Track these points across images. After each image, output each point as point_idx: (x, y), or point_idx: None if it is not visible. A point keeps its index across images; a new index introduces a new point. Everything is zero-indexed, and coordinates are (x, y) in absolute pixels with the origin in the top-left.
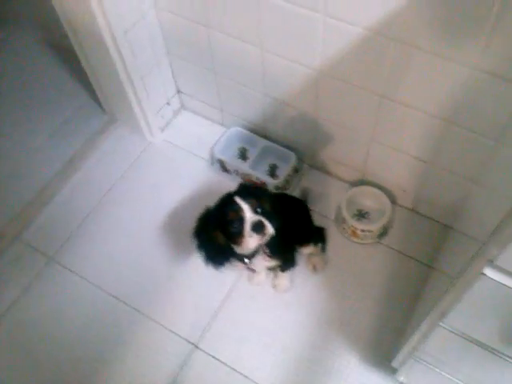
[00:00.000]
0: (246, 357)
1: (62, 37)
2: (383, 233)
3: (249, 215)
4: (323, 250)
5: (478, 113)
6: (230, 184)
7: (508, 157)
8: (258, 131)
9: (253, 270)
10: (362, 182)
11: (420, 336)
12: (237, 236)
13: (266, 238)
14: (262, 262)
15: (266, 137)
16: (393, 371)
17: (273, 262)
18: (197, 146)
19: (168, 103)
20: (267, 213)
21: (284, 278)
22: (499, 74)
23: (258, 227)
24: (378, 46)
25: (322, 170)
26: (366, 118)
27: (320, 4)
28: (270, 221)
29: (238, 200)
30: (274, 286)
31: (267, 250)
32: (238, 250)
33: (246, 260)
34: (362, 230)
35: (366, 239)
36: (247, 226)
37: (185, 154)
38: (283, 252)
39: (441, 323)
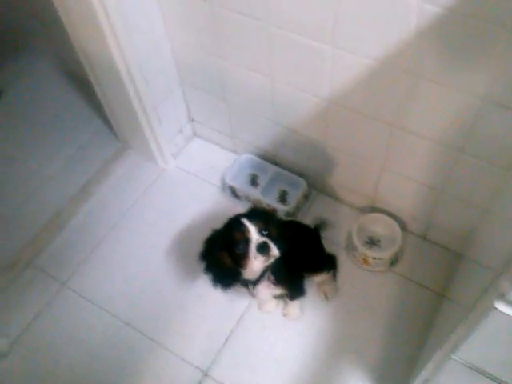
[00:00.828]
0: None
1: (78, 66)
2: (394, 261)
3: (254, 236)
4: (334, 277)
5: (488, 142)
6: (241, 210)
7: None
8: (269, 158)
9: (256, 297)
10: (372, 209)
11: (432, 368)
12: (242, 257)
13: (271, 260)
14: (267, 290)
15: (276, 163)
16: None
17: (278, 290)
18: (208, 173)
19: (180, 131)
20: (273, 236)
21: (294, 306)
22: (507, 105)
23: (262, 248)
24: (387, 76)
25: (332, 196)
26: (375, 147)
27: (328, 36)
28: (276, 244)
29: (245, 221)
30: (285, 315)
31: (272, 277)
32: (244, 273)
33: (250, 286)
34: (374, 258)
35: (377, 267)
36: (252, 247)
37: (197, 181)
38: (289, 280)
39: (453, 356)
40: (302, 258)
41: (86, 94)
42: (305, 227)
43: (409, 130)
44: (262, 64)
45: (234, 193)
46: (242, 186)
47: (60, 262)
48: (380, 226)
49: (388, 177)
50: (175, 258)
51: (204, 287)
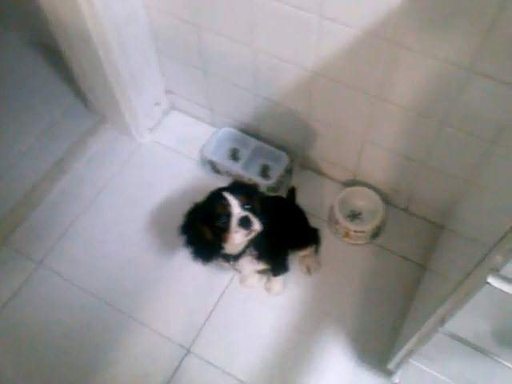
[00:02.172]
0: (240, 360)
1: (48, 36)
2: (376, 233)
3: (236, 210)
4: (317, 251)
5: (471, 114)
6: (221, 185)
7: (503, 158)
8: (250, 131)
9: (239, 272)
10: (354, 183)
11: (417, 340)
12: (223, 231)
13: (253, 235)
14: (249, 265)
15: (257, 137)
16: (388, 373)
17: (260, 266)
18: (187, 147)
19: (158, 103)
20: (256, 210)
21: (276, 281)
22: (493, 76)
23: (244, 222)
24: (372, 46)
25: (314, 170)
26: (358, 119)
27: (315, 5)
28: (258, 218)
29: (227, 195)
30: (267, 290)
31: (254, 252)
32: (226, 247)
33: (232, 260)
34: (355, 231)
35: (358, 240)
36: (234, 221)
37: (175, 155)
38: (272, 256)
39: (439, 328)
40: (285, 234)
41: (58, 66)
42: (288, 202)
43: (391, 101)
44: (243, 33)
45: (214, 167)
46: (222, 160)
47: (35, 240)
48: (362, 199)
49: (370, 149)
50: (154, 233)
51: (184, 262)
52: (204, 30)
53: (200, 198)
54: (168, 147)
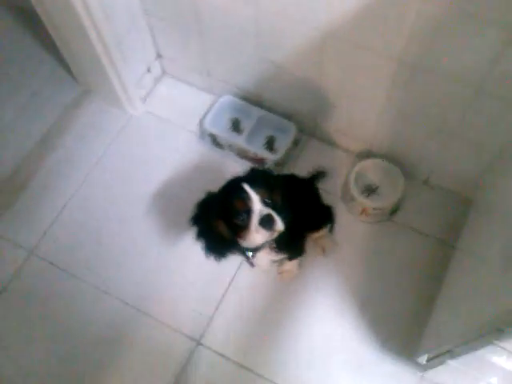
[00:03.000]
0: (253, 351)
1: None
2: (395, 209)
3: (258, 207)
4: (331, 230)
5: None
6: (223, 161)
7: None
8: (252, 100)
9: (255, 265)
10: (369, 154)
11: (461, 344)
12: (242, 229)
13: (275, 236)
14: (268, 257)
15: (261, 106)
16: (412, 359)
17: (280, 256)
18: (184, 118)
19: (148, 70)
20: (278, 205)
21: (291, 264)
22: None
23: (267, 222)
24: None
25: (325, 141)
26: (376, 85)
27: None
28: (281, 215)
29: (247, 188)
30: (280, 273)
31: (274, 245)
32: (243, 243)
33: (249, 253)
34: (374, 209)
35: (376, 217)
36: (255, 220)
37: (171, 127)
38: (291, 244)
39: (496, 341)
40: (302, 218)
41: (36, 32)
42: (302, 181)
43: (417, 65)
44: None
45: (214, 140)
46: (223, 133)
47: (24, 227)
48: (379, 172)
49: (388, 118)
50: (155, 216)
51: (189, 248)
52: None
53: (200, 175)
54: (163, 119)
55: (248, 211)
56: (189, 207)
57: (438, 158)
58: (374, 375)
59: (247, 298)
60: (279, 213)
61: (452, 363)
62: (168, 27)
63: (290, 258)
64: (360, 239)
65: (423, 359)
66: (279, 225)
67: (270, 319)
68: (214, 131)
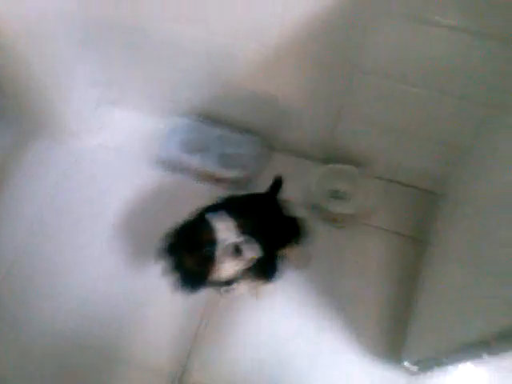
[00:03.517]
0: (242, 377)
1: None
2: (364, 212)
3: (225, 237)
4: (302, 241)
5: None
6: (184, 185)
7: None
8: (208, 118)
9: (230, 294)
10: (332, 160)
11: (448, 355)
12: (209, 261)
13: (249, 264)
14: (245, 287)
15: (217, 124)
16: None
17: (257, 283)
18: (138, 145)
19: (96, 101)
20: (248, 231)
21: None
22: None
23: (235, 252)
24: (345, 10)
25: (287, 151)
26: (334, 93)
27: None
28: (252, 241)
29: (212, 217)
30: (255, 294)
31: (251, 273)
32: (214, 275)
33: (224, 288)
34: (342, 214)
35: (348, 222)
36: (221, 250)
37: (125, 157)
38: (268, 268)
39: (485, 355)
40: (271, 237)
41: None
42: (264, 197)
43: (369, 72)
44: (193, 12)
45: (171, 165)
46: (180, 156)
47: None
48: (343, 177)
49: (348, 123)
50: (117, 251)
51: (156, 279)
52: (143, 11)
53: (162, 202)
54: (116, 149)
55: (214, 242)
56: (152, 237)
57: (402, 157)
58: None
59: (225, 323)
60: (250, 239)
61: (440, 370)
62: (115, 55)
63: (269, 281)
64: (333, 245)
65: (410, 365)
66: (250, 252)
67: (253, 340)
68: (171, 156)
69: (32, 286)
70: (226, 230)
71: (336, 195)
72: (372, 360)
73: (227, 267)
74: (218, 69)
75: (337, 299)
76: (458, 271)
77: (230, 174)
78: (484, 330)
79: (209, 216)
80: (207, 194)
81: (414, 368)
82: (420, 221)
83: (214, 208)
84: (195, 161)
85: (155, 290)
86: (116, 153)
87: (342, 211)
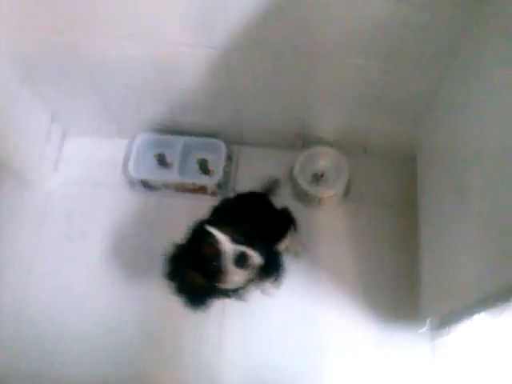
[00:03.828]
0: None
1: None
2: (348, 189)
3: (228, 246)
4: (295, 229)
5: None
6: (163, 202)
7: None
8: (170, 129)
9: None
10: (305, 144)
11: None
12: (218, 274)
13: (255, 271)
14: (255, 290)
15: (181, 133)
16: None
17: (267, 280)
18: (105, 172)
19: (48, 138)
20: (250, 237)
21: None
22: None
23: (240, 260)
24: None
25: (257, 145)
26: (294, 80)
27: None
28: (256, 246)
29: (212, 230)
30: (265, 292)
31: (258, 274)
32: (223, 286)
33: (234, 295)
34: (328, 196)
35: (334, 202)
36: (228, 262)
37: (94, 188)
38: (274, 265)
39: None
40: (270, 235)
41: None
42: (252, 196)
43: (327, 52)
44: (130, 28)
45: (146, 185)
46: (151, 174)
47: None
48: (320, 158)
49: (314, 107)
50: (113, 281)
51: (163, 299)
52: (80, 35)
53: (146, 225)
54: (82, 182)
55: (219, 254)
56: (147, 259)
57: (371, 127)
58: (386, 354)
59: (245, 327)
60: (253, 244)
61: (464, 327)
62: (57, 87)
63: (277, 279)
64: (326, 229)
65: (429, 325)
66: (256, 259)
67: (273, 335)
68: (142, 175)
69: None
70: (227, 240)
71: (318, 178)
72: (392, 326)
73: (237, 276)
74: (168, 80)
75: (342, 277)
76: (451, 225)
77: (209, 179)
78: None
79: (207, 229)
80: (191, 206)
81: (434, 326)
82: (403, 187)
83: (209, 220)
84: (171, 175)
85: (163, 312)
86: (84, 185)
87: (327, 193)
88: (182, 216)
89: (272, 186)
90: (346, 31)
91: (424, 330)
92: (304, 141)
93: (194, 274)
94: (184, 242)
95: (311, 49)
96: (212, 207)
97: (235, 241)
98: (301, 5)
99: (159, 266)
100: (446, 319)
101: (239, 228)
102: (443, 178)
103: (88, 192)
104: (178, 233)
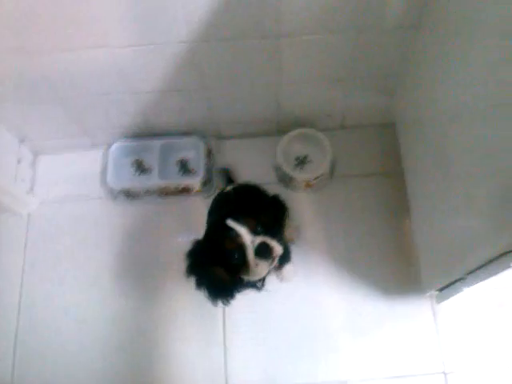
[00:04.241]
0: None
1: None
2: (332, 168)
3: (249, 239)
4: (289, 217)
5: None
6: (149, 209)
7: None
8: (144, 133)
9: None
10: (283, 129)
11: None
12: (241, 267)
13: (277, 260)
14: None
15: (155, 135)
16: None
17: (282, 267)
18: (83, 187)
19: (18, 160)
20: (270, 227)
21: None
22: None
23: (263, 251)
24: None
25: (236, 137)
26: (265, 67)
27: None
28: (276, 236)
29: (232, 223)
30: (282, 278)
31: (277, 263)
32: (247, 278)
33: (259, 284)
34: (315, 178)
35: (321, 183)
36: (251, 254)
37: (75, 204)
38: (287, 251)
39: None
40: (275, 224)
41: None
42: (248, 188)
43: (294, 33)
44: (90, 36)
45: (128, 194)
46: (132, 182)
47: None
48: (299, 141)
49: (287, 90)
50: (103, 302)
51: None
52: (36, 52)
53: (137, 236)
54: (62, 200)
55: (241, 247)
56: (137, 273)
57: (346, 102)
58: (389, 324)
59: (252, 327)
60: (273, 234)
61: (468, 290)
62: (20, 107)
63: (288, 260)
64: (316, 211)
65: (432, 293)
66: (277, 249)
67: (280, 325)
68: (122, 185)
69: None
70: (246, 232)
71: (302, 161)
72: (396, 297)
73: (261, 267)
74: (136, 84)
75: (340, 257)
76: (437, 185)
77: (191, 179)
78: (496, 238)
79: (228, 221)
80: (177, 208)
81: (437, 294)
82: (386, 154)
83: (226, 213)
84: (150, 180)
85: (164, 320)
86: (64, 202)
87: (313, 175)
88: (169, 221)
89: (228, 175)
90: (309, 8)
91: (427, 295)
92: (281, 125)
93: (217, 269)
94: (204, 237)
95: (276, 30)
96: (213, 200)
97: (255, 232)
98: None
99: (154, 275)
100: (446, 290)
101: (256, 219)
102: (423, 141)
103: (69, 209)
104: (169, 238)
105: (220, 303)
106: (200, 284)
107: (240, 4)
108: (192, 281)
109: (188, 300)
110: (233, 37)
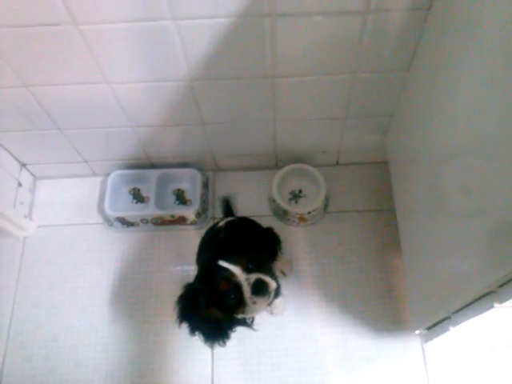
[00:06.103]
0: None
1: None
2: (326, 203)
3: (243, 278)
4: (282, 250)
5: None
6: (144, 237)
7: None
8: (142, 164)
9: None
10: (281, 163)
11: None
12: (238, 306)
13: (273, 295)
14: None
15: (153, 166)
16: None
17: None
18: (81, 213)
19: (19, 184)
20: (261, 263)
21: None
22: None
23: (259, 287)
24: (247, 26)
25: (232, 169)
26: (262, 105)
27: (165, 10)
28: (265, 270)
29: (224, 264)
30: (273, 312)
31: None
32: (242, 316)
33: (249, 321)
34: (309, 212)
35: (314, 218)
36: (247, 293)
37: (73, 230)
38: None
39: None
40: (267, 257)
41: None
42: (241, 221)
43: (289, 74)
44: (90, 72)
45: (124, 222)
46: (128, 210)
47: None
48: (296, 176)
49: (283, 127)
50: (96, 331)
51: (157, 344)
52: (34, 86)
53: (131, 263)
54: (59, 225)
55: (236, 287)
56: (132, 300)
57: (342, 139)
58: (380, 361)
59: (239, 355)
60: (263, 270)
61: (455, 329)
62: (21, 134)
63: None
64: (309, 245)
65: (421, 331)
66: (272, 284)
67: (269, 360)
68: (118, 213)
69: None
70: (240, 271)
71: (296, 196)
72: (387, 334)
73: (261, 305)
74: (136, 118)
75: (332, 293)
76: (428, 224)
77: (187, 209)
78: (482, 278)
79: (220, 262)
80: (172, 237)
81: (426, 332)
82: (381, 192)
83: (218, 254)
84: (146, 209)
85: (158, 349)
86: (62, 228)
87: (307, 209)
88: (163, 249)
89: (229, 206)
90: (305, 54)
91: (416, 333)
92: (279, 159)
93: (213, 310)
94: (196, 280)
95: (271, 71)
96: (204, 237)
97: (248, 270)
98: (257, 34)
99: (146, 302)
100: (433, 329)
101: (248, 256)
102: (415, 180)
103: (65, 234)
104: (162, 266)
105: (216, 345)
106: (194, 329)
107: (238, 48)
108: (186, 327)
109: (178, 330)
110: (231, 76)
